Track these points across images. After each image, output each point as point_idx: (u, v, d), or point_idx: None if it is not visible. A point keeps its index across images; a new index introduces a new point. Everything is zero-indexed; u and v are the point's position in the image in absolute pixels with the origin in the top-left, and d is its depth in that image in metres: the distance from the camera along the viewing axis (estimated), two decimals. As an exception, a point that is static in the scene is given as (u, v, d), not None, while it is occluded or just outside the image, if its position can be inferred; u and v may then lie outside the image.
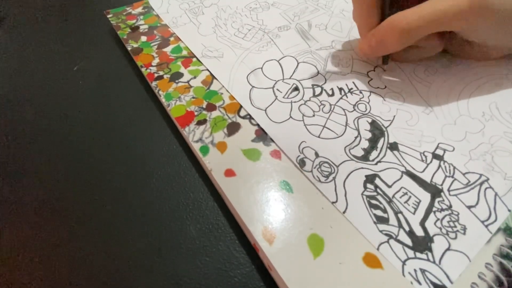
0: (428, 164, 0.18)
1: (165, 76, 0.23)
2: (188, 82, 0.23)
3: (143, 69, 0.24)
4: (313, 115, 0.21)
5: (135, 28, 0.27)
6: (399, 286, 0.14)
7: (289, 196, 0.17)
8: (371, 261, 0.14)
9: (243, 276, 0.16)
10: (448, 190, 0.17)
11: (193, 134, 0.20)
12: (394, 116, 0.20)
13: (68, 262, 0.16)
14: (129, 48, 0.26)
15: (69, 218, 0.18)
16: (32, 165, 0.21)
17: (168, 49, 0.26)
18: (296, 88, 0.22)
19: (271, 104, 0.21)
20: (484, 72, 0.23)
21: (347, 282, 0.14)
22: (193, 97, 0.22)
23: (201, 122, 0.20)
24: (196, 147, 0.19)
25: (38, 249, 0.17)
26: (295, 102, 0.21)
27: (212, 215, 0.18)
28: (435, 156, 0.18)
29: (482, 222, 0.15)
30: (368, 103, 0.21)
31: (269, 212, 0.16)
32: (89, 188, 0.19)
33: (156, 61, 0.25)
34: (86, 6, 0.33)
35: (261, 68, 0.24)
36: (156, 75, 0.24)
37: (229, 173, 0.18)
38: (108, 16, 0.29)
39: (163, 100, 0.22)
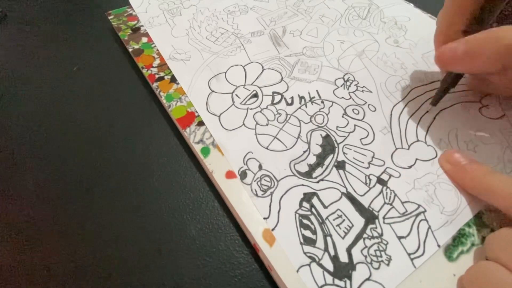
0: (370, 188, 0.17)
1: (166, 77, 0.23)
2: (188, 83, 0.23)
3: (144, 70, 0.24)
4: (267, 124, 0.20)
5: (136, 29, 0.27)
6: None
7: None
8: None
9: (243, 276, 0.16)
10: (383, 218, 0.16)
11: (194, 135, 0.20)
12: (350, 132, 0.20)
13: (68, 263, 0.16)
14: (130, 50, 0.26)
15: (68, 218, 0.18)
16: (31, 165, 0.21)
17: (168, 50, 0.25)
18: (255, 95, 0.22)
19: (226, 110, 0.21)
20: (457, 95, 0.22)
21: None
22: None
23: (202, 123, 0.20)
24: (197, 148, 0.19)
25: (37, 249, 0.17)
26: (251, 109, 0.21)
27: (212, 215, 0.18)
28: (379, 180, 0.17)
29: (409, 254, 0.15)
30: (327, 114, 0.21)
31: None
32: (89, 188, 0.19)
33: (157, 62, 0.24)
34: (87, 7, 0.33)
35: (225, 73, 0.23)
36: (157, 76, 0.23)
37: (230, 175, 0.18)
38: (109, 17, 0.28)
39: (164, 101, 0.22)
